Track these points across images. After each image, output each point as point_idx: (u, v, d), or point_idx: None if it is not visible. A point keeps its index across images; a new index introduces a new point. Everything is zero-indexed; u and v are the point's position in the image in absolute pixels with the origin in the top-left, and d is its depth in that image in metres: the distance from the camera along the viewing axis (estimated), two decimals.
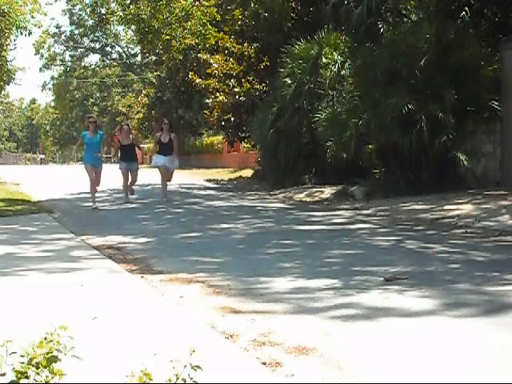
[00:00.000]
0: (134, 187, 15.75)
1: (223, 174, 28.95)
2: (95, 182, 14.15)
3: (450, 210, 11.29)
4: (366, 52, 15.49)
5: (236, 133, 26.00)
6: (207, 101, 24.54)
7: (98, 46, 63.17)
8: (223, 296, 5.42)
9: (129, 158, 15.00)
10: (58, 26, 59.45)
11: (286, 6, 21.48)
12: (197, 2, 20.16)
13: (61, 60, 61.69)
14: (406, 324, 4.45)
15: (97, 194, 18.32)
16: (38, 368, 2.38)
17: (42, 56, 58.19)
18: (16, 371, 2.37)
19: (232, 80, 22.71)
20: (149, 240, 9.16)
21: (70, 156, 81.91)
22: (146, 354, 3.52)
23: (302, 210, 13.27)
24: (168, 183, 15.93)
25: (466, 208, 11.26)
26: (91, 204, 14.11)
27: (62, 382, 2.44)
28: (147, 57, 43.53)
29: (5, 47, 22.63)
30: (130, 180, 15.28)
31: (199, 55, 23.96)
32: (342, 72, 17.46)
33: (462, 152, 13.67)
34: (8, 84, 27.42)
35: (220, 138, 36.67)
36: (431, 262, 6.92)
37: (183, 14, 19.33)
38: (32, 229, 10.23)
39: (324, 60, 17.71)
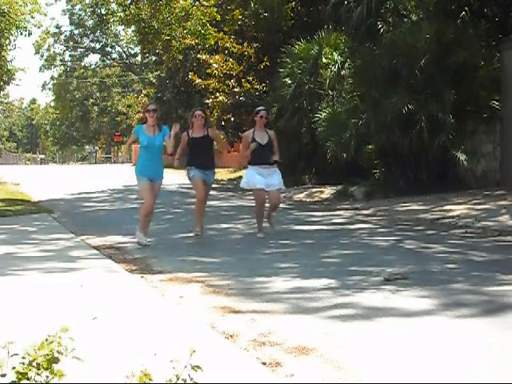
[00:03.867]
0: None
1: (223, 174, 28.94)
2: (152, 204, 8.68)
3: (450, 210, 11.30)
4: (365, 52, 15.51)
5: (236, 133, 26.00)
6: (207, 101, 24.52)
7: (98, 46, 63.15)
8: (223, 296, 5.43)
9: (204, 160, 8.98)
10: (58, 26, 59.43)
11: (286, 6, 21.51)
12: (197, 2, 20.19)
13: (61, 60, 61.66)
14: (405, 324, 4.46)
15: (97, 195, 18.38)
16: (38, 369, 2.38)
17: (42, 56, 58.18)
18: (17, 372, 2.37)
19: (232, 80, 22.71)
20: (148, 240, 9.15)
21: (70, 156, 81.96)
22: (146, 354, 3.53)
23: (302, 210, 13.28)
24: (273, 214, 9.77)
25: (466, 208, 11.26)
26: (139, 238, 8.64)
27: (61, 383, 2.44)
28: (147, 57, 43.52)
29: (5, 47, 22.62)
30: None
31: (199, 56, 23.96)
32: (342, 72, 17.48)
33: (462, 152, 13.68)
34: (8, 84, 27.41)
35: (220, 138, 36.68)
36: (431, 262, 6.92)
37: (183, 14, 19.35)
38: (32, 229, 10.23)
39: (324, 60, 17.73)
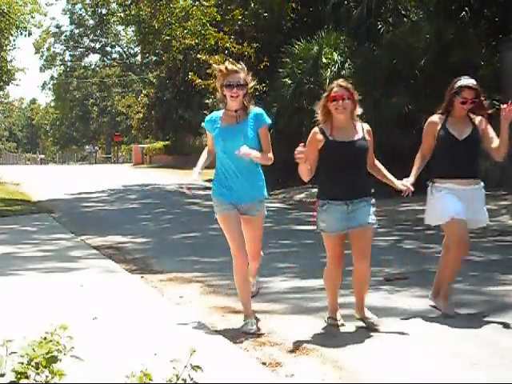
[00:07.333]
0: None
1: None
2: (243, 257, 4.81)
3: None
4: (365, 52, 15.51)
5: None
6: (207, 101, 24.51)
7: (98, 45, 63.19)
8: (223, 296, 5.43)
9: (350, 185, 4.99)
10: (58, 26, 59.46)
11: (286, 6, 21.50)
12: (197, 2, 20.20)
13: (61, 60, 61.71)
14: (405, 324, 4.46)
15: (97, 195, 18.34)
16: (37, 368, 2.38)
17: (42, 56, 58.21)
18: (16, 371, 2.37)
19: None
20: (148, 240, 9.16)
21: (70, 156, 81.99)
22: (147, 354, 3.53)
23: (302, 210, 13.26)
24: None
25: None
26: (246, 323, 4.42)
27: (61, 382, 2.44)
28: (147, 57, 43.52)
29: (4, 47, 22.65)
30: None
31: (199, 56, 23.98)
32: (342, 72, 17.45)
33: None
34: (8, 84, 27.45)
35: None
36: (430, 262, 6.91)
37: (183, 14, 19.37)
38: (32, 229, 10.23)
39: (324, 60, 17.71)
